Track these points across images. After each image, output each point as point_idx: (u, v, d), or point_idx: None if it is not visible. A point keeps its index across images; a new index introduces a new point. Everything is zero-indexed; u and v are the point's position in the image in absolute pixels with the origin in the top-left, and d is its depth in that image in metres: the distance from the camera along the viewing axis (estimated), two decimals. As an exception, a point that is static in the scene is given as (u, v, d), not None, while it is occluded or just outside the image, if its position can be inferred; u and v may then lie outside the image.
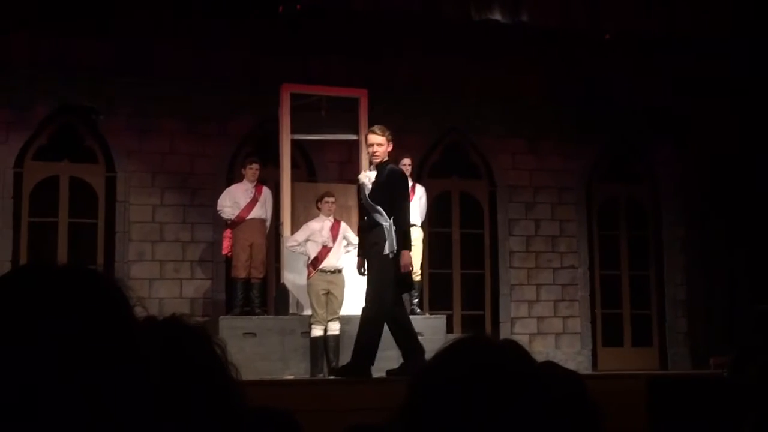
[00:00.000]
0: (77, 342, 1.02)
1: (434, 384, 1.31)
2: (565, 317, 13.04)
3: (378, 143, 8.03)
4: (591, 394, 1.95)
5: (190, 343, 1.41)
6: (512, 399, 1.28)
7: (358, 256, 8.41)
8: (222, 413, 1.30)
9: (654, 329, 13.57)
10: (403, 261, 7.85)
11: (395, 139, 11.70)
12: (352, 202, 11.00)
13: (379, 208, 7.93)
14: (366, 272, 8.13)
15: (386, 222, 7.88)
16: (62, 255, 11.31)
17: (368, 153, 8.21)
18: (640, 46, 12.26)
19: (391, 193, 7.98)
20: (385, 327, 8.03)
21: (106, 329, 1.04)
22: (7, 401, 1.00)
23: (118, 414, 1.02)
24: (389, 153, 8.16)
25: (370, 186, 8.05)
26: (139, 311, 1.13)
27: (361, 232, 8.35)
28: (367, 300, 8.00)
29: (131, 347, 1.05)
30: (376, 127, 8.25)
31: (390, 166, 8.13)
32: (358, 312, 10.31)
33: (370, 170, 8.24)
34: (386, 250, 7.83)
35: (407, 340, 8.05)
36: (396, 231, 7.86)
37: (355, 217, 10.94)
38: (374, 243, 7.94)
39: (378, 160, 8.06)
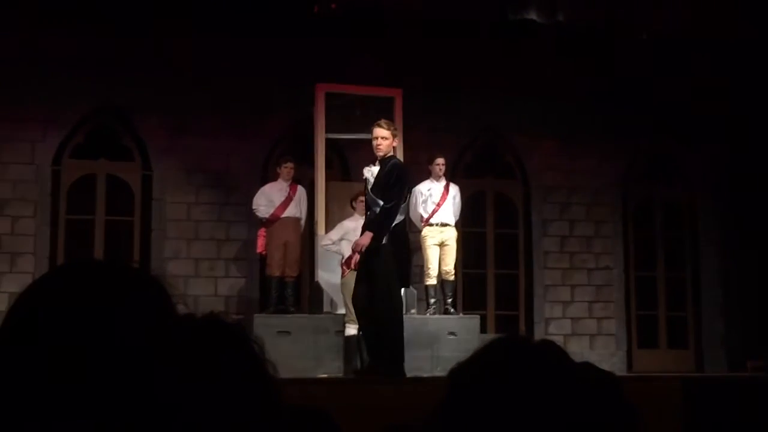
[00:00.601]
0: (123, 337, 1.03)
1: (472, 384, 1.31)
2: (599, 318, 12.97)
3: (383, 136, 8.02)
4: (627, 395, 1.94)
5: (228, 341, 1.42)
6: (550, 400, 1.28)
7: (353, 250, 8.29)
8: (261, 411, 1.30)
9: (690, 331, 13.47)
10: (361, 239, 7.87)
11: (430, 138, 11.75)
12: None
13: (380, 202, 7.90)
14: (358, 267, 8.06)
15: None
16: (99, 252, 11.42)
17: (373, 146, 8.14)
18: (677, 45, 12.16)
19: (389, 185, 7.96)
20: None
21: (150, 325, 1.05)
22: (51, 396, 1.01)
23: (159, 410, 1.03)
24: (394, 148, 8.18)
25: (372, 180, 8.05)
26: (180, 308, 1.14)
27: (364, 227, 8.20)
28: (377, 297, 7.88)
29: (174, 343, 1.07)
30: (382, 121, 8.25)
31: (393, 160, 8.11)
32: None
33: (375, 165, 8.19)
34: (386, 243, 7.81)
35: (382, 341, 8.00)
36: (377, 216, 7.83)
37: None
38: None
39: (381, 154, 8.04)
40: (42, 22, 11.09)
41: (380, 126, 8.10)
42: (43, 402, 1.00)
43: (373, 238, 7.81)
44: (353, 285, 9.67)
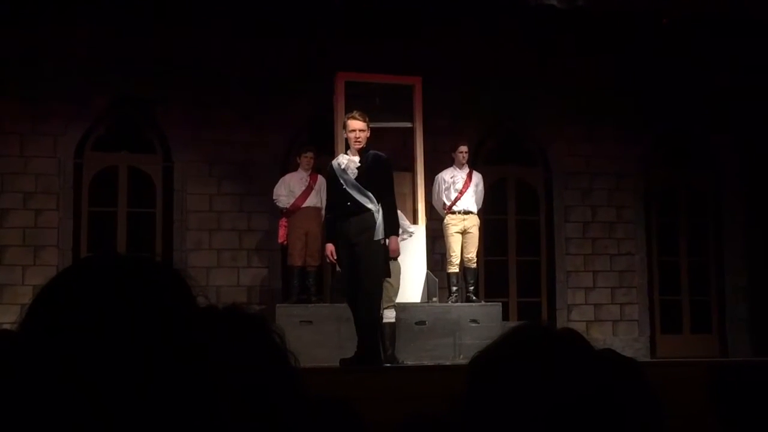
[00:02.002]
0: (144, 330, 1.03)
1: (493, 371, 1.31)
2: (622, 304, 12.93)
3: (360, 128, 7.94)
4: (650, 381, 1.93)
5: (249, 332, 1.42)
6: (572, 387, 1.28)
7: (328, 242, 8.11)
8: (282, 401, 1.31)
9: (713, 316, 13.41)
10: (392, 246, 7.90)
11: (450, 126, 11.73)
12: (407, 190, 10.99)
13: (370, 194, 7.85)
14: (343, 259, 7.96)
15: (375, 207, 7.84)
16: (121, 244, 11.48)
17: (349, 138, 8.02)
18: (699, 30, 12.07)
19: (382, 178, 7.93)
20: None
21: (171, 319, 1.06)
22: (71, 390, 1.02)
23: (182, 403, 1.04)
24: (368, 139, 8.07)
25: (356, 170, 7.94)
26: (201, 300, 1.14)
27: (344, 217, 7.93)
28: (367, 289, 7.86)
29: (195, 336, 1.07)
30: (356, 113, 8.11)
31: (373, 151, 8.05)
32: (415, 300, 10.35)
33: (347, 155, 8.09)
34: (377, 236, 7.79)
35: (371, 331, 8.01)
36: (385, 216, 7.82)
37: (409, 204, 10.93)
38: (363, 229, 7.82)
39: (361, 146, 7.97)
40: (62, 16, 11.13)
41: (356, 118, 8.00)
42: (62, 395, 1.01)
43: (391, 235, 7.91)
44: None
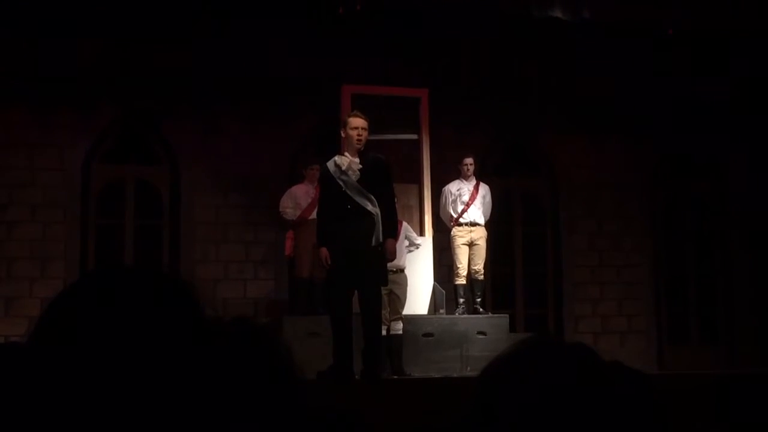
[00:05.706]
0: (152, 343, 1.03)
1: (503, 385, 1.31)
2: (630, 316, 12.90)
3: (363, 127, 7.62)
4: (658, 394, 1.93)
5: (256, 344, 1.42)
6: (580, 399, 1.27)
7: (321, 246, 7.65)
8: (288, 414, 1.31)
9: (722, 327, 13.37)
10: (389, 248, 7.52)
11: (457, 137, 11.74)
12: (414, 202, 10.99)
13: (372, 197, 7.51)
14: (339, 266, 7.54)
15: (376, 211, 7.51)
16: (129, 256, 11.50)
17: (351, 137, 7.61)
18: (704, 41, 12.08)
19: (385, 181, 7.64)
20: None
21: (178, 331, 1.06)
22: (78, 401, 1.02)
23: (187, 416, 1.04)
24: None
25: (357, 172, 7.57)
26: (208, 312, 1.15)
27: (341, 222, 7.53)
28: (373, 301, 7.63)
29: (203, 348, 1.07)
30: (357, 111, 7.85)
31: (373, 153, 7.76)
32: (422, 312, 10.34)
33: (346, 156, 7.66)
34: (374, 242, 7.46)
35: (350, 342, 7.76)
36: (383, 220, 7.50)
37: (416, 216, 10.93)
38: (364, 234, 7.46)
39: (361, 146, 7.62)
40: (71, 28, 11.17)
41: (358, 116, 7.69)
42: (69, 407, 1.01)
43: (387, 239, 7.57)
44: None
